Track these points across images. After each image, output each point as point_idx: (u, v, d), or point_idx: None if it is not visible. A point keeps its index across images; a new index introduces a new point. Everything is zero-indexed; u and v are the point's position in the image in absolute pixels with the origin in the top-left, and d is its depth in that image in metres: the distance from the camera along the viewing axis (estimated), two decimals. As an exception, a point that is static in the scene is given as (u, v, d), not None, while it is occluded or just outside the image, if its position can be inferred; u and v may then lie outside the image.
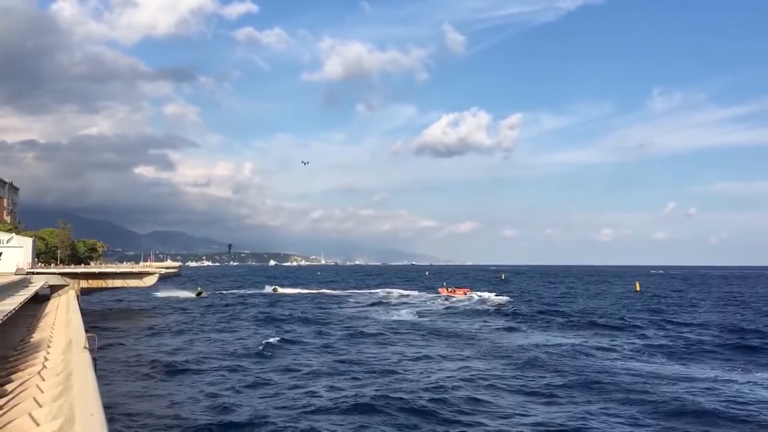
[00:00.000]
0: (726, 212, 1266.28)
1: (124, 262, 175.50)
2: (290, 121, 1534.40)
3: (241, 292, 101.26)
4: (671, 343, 39.99)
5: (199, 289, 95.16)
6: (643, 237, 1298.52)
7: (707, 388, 25.73)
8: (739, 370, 30.68)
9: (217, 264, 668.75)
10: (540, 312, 63.58)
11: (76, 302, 30.19)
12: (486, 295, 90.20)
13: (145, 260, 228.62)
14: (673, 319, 55.99)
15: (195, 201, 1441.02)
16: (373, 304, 76.20)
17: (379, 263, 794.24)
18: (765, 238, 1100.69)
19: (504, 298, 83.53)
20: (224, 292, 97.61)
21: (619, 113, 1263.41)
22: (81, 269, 77.21)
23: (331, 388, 26.15)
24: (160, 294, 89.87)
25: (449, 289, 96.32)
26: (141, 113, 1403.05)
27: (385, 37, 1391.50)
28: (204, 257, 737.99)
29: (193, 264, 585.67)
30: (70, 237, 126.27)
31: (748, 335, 43.91)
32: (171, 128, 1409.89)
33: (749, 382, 27.47)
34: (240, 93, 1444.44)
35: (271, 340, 40.91)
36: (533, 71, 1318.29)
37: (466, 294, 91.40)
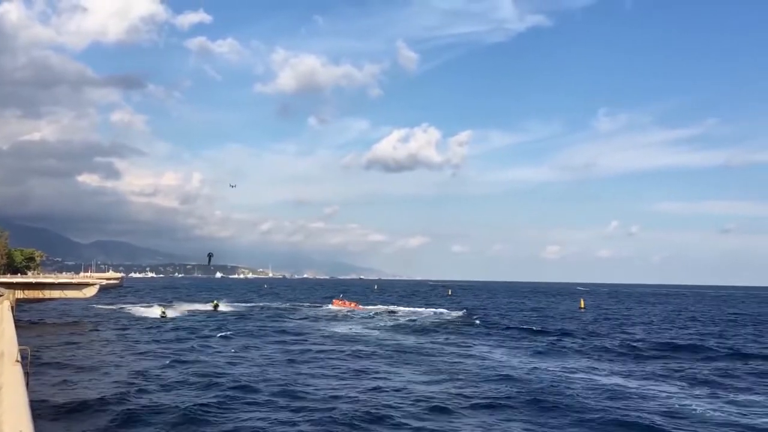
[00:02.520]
0: (668, 232, 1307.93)
1: (64, 273, 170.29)
2: (241, 132, 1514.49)
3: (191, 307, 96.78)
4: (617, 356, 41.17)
5: (163, 309, 77.31)
6: (588, 254, 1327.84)
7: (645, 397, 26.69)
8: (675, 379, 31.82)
9: (162, 276, 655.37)
10: (475, 323, 64.56)
11: (10, 313, 29.12)
12: (405, 309, 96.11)
13: (86, 271, 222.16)
14: (625, 332, 57.52)
15: (141, 211, 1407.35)
16: (318, 319, 75.85)
17: (327, 277, 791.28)
18: (704, 258, 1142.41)
19: (445, 311, 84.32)
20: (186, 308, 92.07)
21: (566, 132, 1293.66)
22: (17, 279, 74.76)
23: (243, 391, 27.13)
24: (102, 306, 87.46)
25: (342, 302, 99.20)
26: (87, 120, 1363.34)
27: (339, 51, 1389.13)
28: (148, 269, 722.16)
29: (136, 275, 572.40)
30: (7, 245, 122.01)
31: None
32: (118, 136, 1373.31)
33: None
34: (191, 102, 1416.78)
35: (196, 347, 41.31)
36: (484, 89, 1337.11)
37: (356, 307, 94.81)
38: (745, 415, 24.99)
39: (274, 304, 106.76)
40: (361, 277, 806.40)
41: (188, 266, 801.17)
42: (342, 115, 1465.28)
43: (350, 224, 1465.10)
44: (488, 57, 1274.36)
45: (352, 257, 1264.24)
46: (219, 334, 53.16)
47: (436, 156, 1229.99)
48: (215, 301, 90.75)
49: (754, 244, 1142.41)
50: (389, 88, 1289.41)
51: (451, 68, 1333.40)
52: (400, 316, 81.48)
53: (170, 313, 76.03)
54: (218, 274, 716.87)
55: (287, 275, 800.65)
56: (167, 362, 36.72)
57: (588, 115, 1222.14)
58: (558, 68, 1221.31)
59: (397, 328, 63.31)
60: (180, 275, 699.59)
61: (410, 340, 51.31)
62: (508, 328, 64.72)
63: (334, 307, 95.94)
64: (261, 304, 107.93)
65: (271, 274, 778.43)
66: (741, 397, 28.77)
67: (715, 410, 25.61)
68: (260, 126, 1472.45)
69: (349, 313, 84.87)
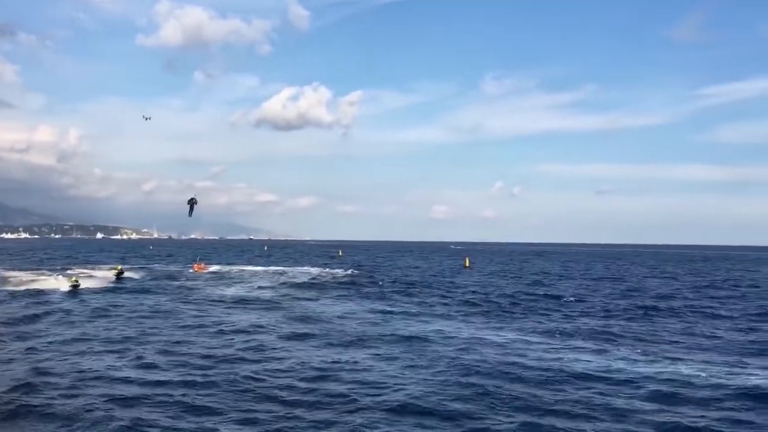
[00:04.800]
0: (548, 192, 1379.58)
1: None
2: (123, 86, 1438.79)
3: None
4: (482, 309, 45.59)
5: (75, 279, 60.77)
6: (474, 214, 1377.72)
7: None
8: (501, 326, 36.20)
9: (37, 237, 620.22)
10: (361, 282, 67.97)
11: None
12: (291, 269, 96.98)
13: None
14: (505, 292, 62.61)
15: (11, 168, 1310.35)
16: (207, 280, 76.52)
17: (216, 237, 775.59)
18: (581, 218, 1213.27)
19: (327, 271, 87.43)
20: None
21: (455, 94, 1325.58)
22: None
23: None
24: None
25: (200, 265, 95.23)
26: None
27: (227, 5, 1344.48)
28: (21, 229, 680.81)
29: (8, 236, 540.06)
30: None
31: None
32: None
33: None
34: (67, 53, 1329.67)
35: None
36: (375, 49, 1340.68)
37: (202, 269, 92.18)
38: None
39: (163, 267, 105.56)
40: (251, 237, 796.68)
41: (66, 227, 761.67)
42: (230, 71, 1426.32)
43: (239, 184, 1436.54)
44: (380, 15, 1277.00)
45: (242, 217, 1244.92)
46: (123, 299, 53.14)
47: (327, 116, 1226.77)
48: (119, 267, 78.19)
49: (626, 205, 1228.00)
50: (279, 44, 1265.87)
51: (342, 26, 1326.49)
52: (288, 276, 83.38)
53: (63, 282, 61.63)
54: (99, 235, 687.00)
55: (174, 236, 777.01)
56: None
57: (476, 77, 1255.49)
58: (449, 29, 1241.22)
59: (281, 287, 65.50)
60: (57, 236, 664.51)
61: (288, 298, 53.84)
62: (394, 286, 68.60)
63: (196, 271, 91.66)
64: (152, 266, 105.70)
65: (156, 235, 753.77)
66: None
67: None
68: (143, 80, 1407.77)
69: (235, 275, 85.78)
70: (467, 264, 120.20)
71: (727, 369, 26.79)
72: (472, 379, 24.44)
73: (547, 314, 45.80)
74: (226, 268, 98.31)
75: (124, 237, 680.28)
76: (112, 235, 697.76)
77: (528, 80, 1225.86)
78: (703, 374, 25.43)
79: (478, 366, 26.79)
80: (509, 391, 22.69)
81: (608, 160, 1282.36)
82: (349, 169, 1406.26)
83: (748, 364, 28.26)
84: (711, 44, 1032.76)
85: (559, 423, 19.22)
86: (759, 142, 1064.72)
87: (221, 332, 35.40)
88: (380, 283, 73.05)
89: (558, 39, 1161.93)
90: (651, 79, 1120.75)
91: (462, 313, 45.88)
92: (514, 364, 27.34)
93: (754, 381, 24.45)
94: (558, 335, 36.03)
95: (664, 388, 23.25)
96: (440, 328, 37.76)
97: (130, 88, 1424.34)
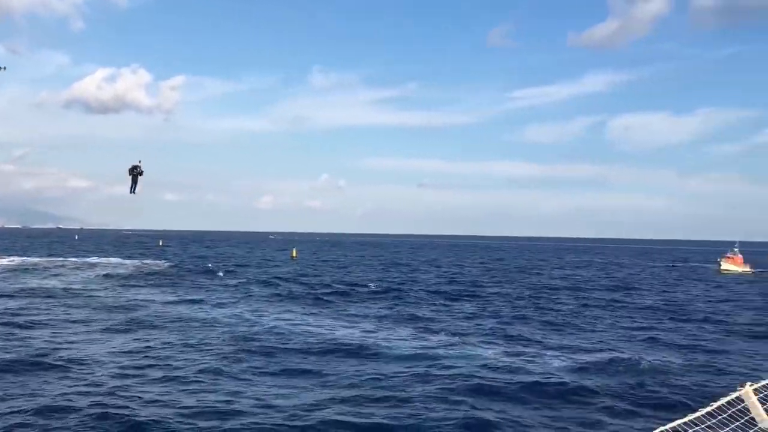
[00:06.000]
0: (373, 186, 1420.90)
1: None
2: None
3: None
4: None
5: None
6: (299, 205, 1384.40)
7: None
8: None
9: None
10: (179, 273, 66.54)
11: None
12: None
13: None
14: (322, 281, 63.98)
15: None
16: (4, 272, 70.22)
17: (19, 226, 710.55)
18: (404, 210, 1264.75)
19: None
20: None
21: (282, 85, 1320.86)
22: None
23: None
24: None
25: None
26: None
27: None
28: None
29: None
30: None
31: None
32: None
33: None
34: None
35: None
36: (200, 33, 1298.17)
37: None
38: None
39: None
40: (60, 226, 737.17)
41: None
42: (38, 46, 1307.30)
43: (48, 168, 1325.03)
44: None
45: (50, 204, 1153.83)
46: None
47: (146, 99, 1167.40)
48: None
49: (444, 198, 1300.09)
50: (94, 21, 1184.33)
51: (164, 6, 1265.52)
52: (100, 268, 78.89)
53: None
54: None
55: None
56: None
57: (303, 69, 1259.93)
58: (277, 17, 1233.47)
59: (92, 279, 62.17)
60: None
61: (99, 290, 51.39)
62: (215, 276, 67.79)
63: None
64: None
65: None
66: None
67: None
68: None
69: (39, 267, 79.50)
70: (294, 254, 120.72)
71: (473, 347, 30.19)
72: (278, 358, 26.04)
73: (358, 300, 48.21)
74: (31, 260, 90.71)
75: None
76: None
77: (353, 75, 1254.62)
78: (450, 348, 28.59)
79: (283, 346, 28.30)
80: (305, 366, 24.78)
81: (429, 156, 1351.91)
82: (172, 156, 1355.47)
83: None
84: (522, 51, 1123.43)
85: (347, 394, 20.62)
86: (563, 143, 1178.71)
87: (20, 327, 33.16)
88: (201, 273, 71.80)
89: (382, 37, 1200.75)
90: (468, 81, 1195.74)
91: (277, 300, 47.18)
92: (333, 347, 28.62)
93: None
94: (364, 319, 38.22)
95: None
96: (252, 314, 38.75)
97: None
